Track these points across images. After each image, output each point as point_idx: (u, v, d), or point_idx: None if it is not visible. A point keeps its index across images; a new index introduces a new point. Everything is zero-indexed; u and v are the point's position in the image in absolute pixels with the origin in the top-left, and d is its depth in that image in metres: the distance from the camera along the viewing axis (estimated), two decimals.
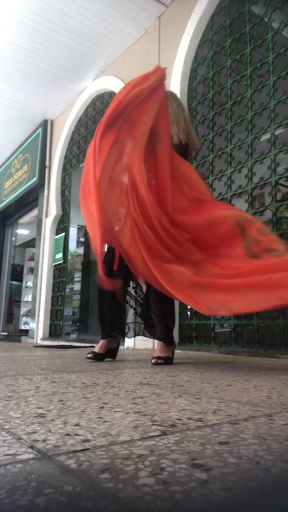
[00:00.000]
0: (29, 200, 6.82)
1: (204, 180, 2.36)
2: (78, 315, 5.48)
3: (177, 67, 3.74)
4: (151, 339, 2.19)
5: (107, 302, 2.21)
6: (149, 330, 2.22)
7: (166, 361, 1.99)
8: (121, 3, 4.01)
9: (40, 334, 5.59)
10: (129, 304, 2.46)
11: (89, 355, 2.15)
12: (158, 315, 2.12)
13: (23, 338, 6.17)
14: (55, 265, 5.68)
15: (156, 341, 2.21)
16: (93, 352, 2.17)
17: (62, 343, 4.78)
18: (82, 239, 5.63)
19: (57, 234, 5.72)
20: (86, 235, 5.29)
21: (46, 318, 5.59)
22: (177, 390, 1.13)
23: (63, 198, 5.77)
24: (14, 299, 8.16)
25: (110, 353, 2.24)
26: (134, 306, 2.44)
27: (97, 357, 2.15)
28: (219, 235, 1.83)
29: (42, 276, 5.75)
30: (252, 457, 0.53)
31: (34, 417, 0.78)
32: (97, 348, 2.21)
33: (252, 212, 2.94)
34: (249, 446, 0.58)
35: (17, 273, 8.40)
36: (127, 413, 0.81)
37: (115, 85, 4.71)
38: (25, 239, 8.74)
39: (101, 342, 2.22)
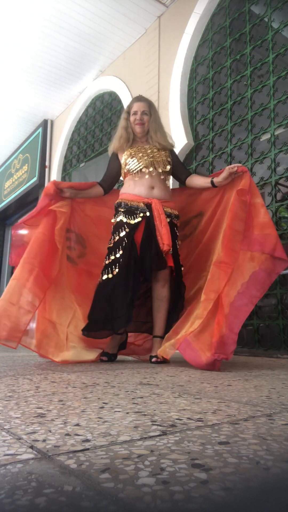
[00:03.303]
0: (29, 200, 6.81)
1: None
2: None
3: (177, 67, 3.73)
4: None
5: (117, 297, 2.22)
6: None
7: (164, 359, 2.03)
8: (121, 3, 4.01)
9: None
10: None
11: (103, 358, 2.14)
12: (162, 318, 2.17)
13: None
14: None
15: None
16: (105, 354, 2.16)
17: None
18: None
19: None
20: None
21: None
22: (177, 390, 1.13)
23: None
24: None
25: (121, 347, 2.27)
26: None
27: (111, 358, 2.16)
28: None
29: None
30: (252, 457, 0.53)
31: (34, 417, 0.78)
32: (108, 348, 2.20)
33: None
34: (249, 446, 0.58)
35: None
36: (127, 413, 0.81)
37: (115, 85, 4.70)
38: None
39: (110, 340, 2.21)
